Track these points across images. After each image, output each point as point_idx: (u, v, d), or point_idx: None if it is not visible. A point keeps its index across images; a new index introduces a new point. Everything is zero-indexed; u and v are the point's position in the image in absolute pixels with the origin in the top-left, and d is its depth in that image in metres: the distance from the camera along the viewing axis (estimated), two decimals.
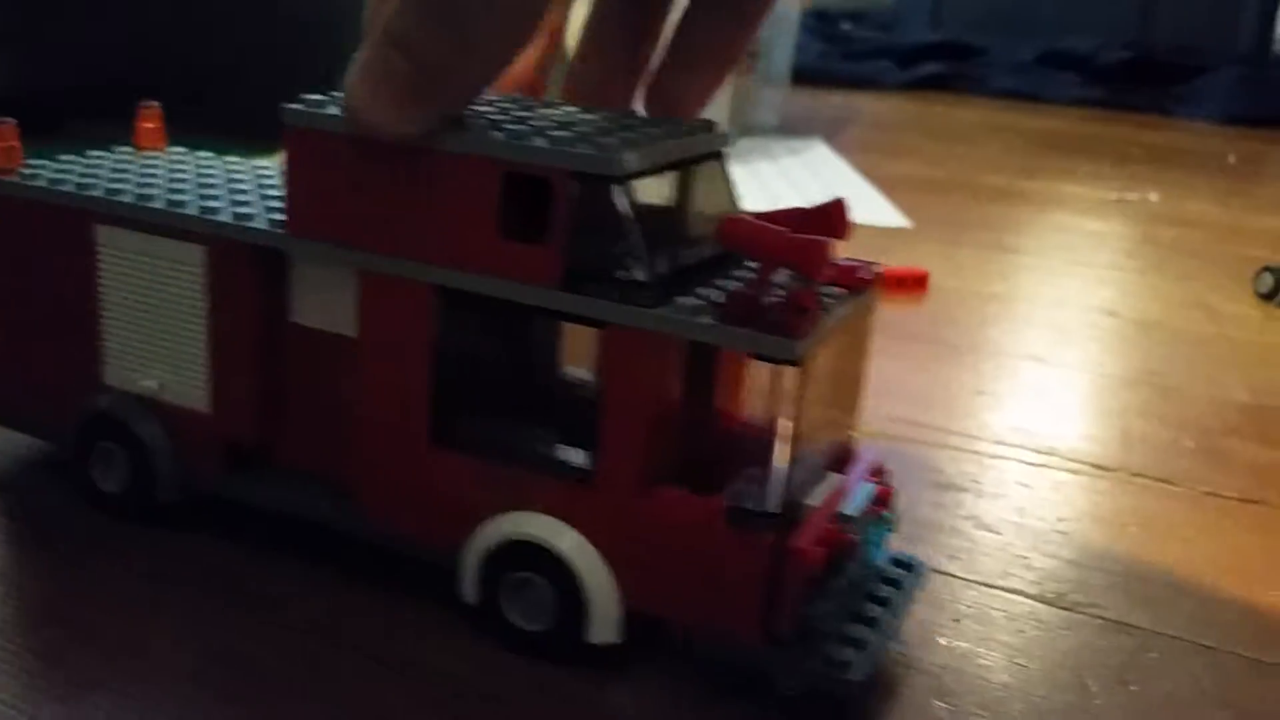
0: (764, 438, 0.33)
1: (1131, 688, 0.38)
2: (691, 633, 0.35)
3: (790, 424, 0.33)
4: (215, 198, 0.41)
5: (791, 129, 1.45)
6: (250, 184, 0.43)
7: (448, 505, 0.37)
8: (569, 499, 0.36)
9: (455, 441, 0.37)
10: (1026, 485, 0.52)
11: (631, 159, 0.33)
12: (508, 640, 0.37)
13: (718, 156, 0.39)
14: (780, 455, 0.33)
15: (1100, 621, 0.41)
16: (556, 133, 0.34)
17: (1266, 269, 0.85)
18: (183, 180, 0.43)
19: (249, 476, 0.42)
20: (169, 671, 0.35)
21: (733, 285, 0.34)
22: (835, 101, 1.87)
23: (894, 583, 0.38)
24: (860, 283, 0.37)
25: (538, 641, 0.36)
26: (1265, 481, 0.54)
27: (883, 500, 0.38)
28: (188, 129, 0.53)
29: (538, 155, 0.33)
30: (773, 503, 0.33)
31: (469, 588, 0.37)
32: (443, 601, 0.38)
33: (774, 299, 0.33)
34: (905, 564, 0.39)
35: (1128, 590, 0.44)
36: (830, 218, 0.36)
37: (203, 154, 0.48)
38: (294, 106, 0.37)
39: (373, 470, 0.39)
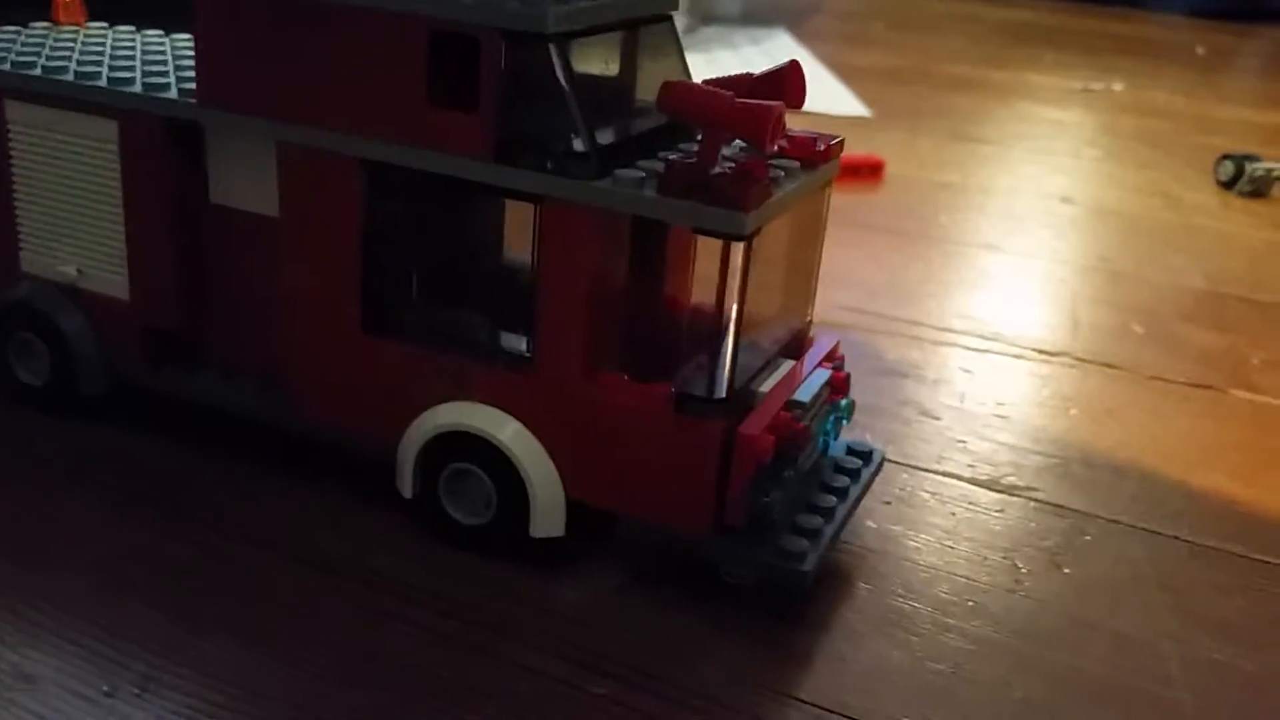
0: (711, 321, 0.31)
1: (1064, 570, 0.37)
2: (638, 523, 0.34)
3: (736, 305, 0.31)
4: (129, 70, 0.38)
5: (754, 17, 1.40)
6: (169, 57, 0.40)
7: (381, 396, 0.36)
8: (508, 387, 0.34)
9: (388, 328, 0.35)
10: (969, 371, 0.51)
11: (567, 15, 0.31)
12: (448, 535, 0.35)
13: (666, 19, 0.36)
14: (727, 338, 0.31)
15: (1035, 504, 0.40)
16: None
17: (1227, 157, 0.83)
18: (97, 54, 0.40)
19: (173, 368, 0.39)
20: (84, 571, 0.33)
21: (676, 156, 0.32)
22: None
23: (849, 472, 0.36)
24: (816, 156, 0.34)
25: (479, 536, 0.35)
26: (1214, 366, 0.53)
27: (838, 387, 0.37)
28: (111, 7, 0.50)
29: (464, 11, 0.31)
30: (720, 389, 0.31)
31: (406, 482, 0.35)
32: (377, 496, 0.36)
33: (720, 170, 0.30)
34: (861, 452, 0.38)
35: (1066, 473, 0.43)
36: (784, 83, 0.34)
37: (121, 28, 0.45)
38: None
39: (300, 360, 0.36)
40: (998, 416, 0.47)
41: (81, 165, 0.38)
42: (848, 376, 0.37)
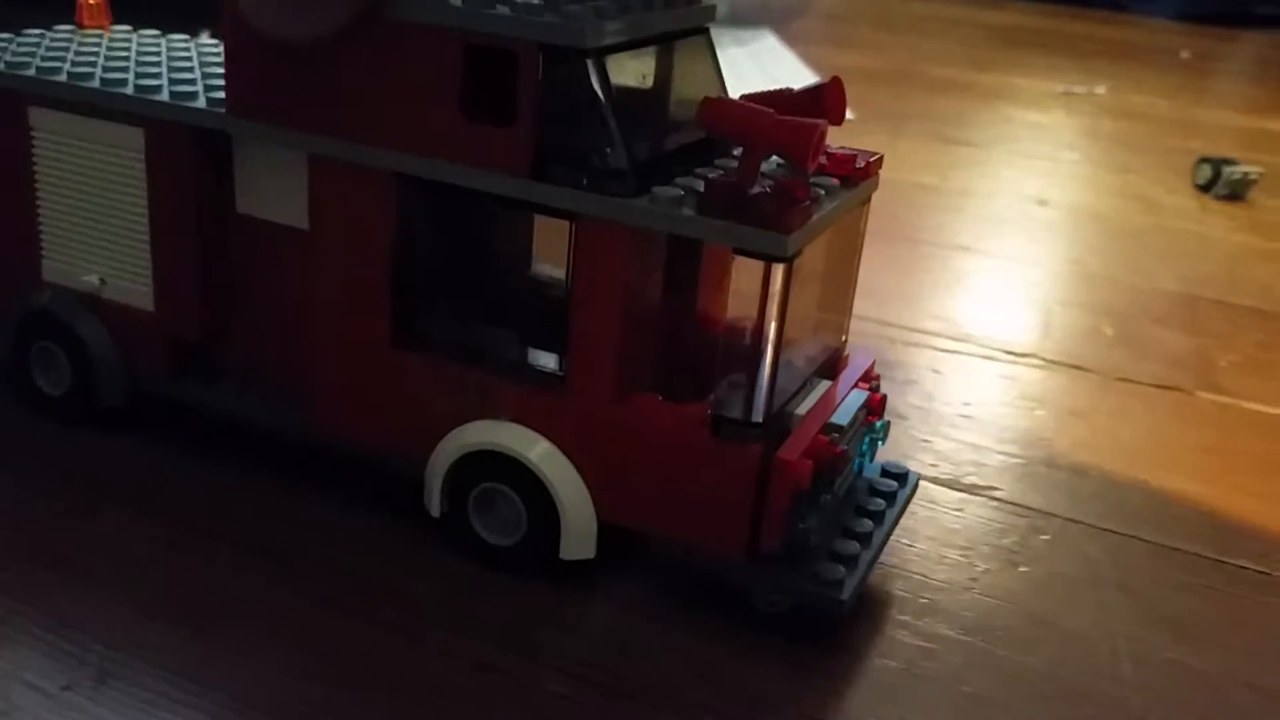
0: (749, 342, 0.30)
1: (1021, 569, 0.37)
2: (671, 546, 0.33)
3: (776, 327, 0.30)
4: (155, 77, 0.38)
5: (740, 19, 1.39)
6: (195, 63, 0.40)
7: (409, 412, 0.35)
8: (539, 406, 0.33)
9: (417, 344, 0.34)
10: (938, 371, 0.51)
11: (606, 30, 0.30)
12: (476, 555, 0.34)
13: (703, 32, 0.36)
14: (766, 360, 0.30)
15: (995, 503, 0.40)
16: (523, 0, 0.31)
17: (1205, 160, 0.83)
18: (122, 60, 0.40)
19: (196, 379, 0.39)
20: (99, 587, 0.33)
21: (715, 174, 0.31)
22: None
23: (885, 494, 0.36)
24: (856, 173, 0.34)
25: (509, 557, 0.34)
26: (1183, 369, 0.53)
27: (874, 408, 0.36)
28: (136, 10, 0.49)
29: (501, 25, 0.30)
30: (758, 411, 0.31)
31: (433, 500, 0.35)
32: (405, 514, 0.36)
33: (761, 189, 0.30)
34: (897, 474, 0.37)
35: (1027, 473, 0.42)
36: (823, 100, 0.33)
37: (147, 32, 0.45)
38: None
39: (328, 374, 0.36)
40: (963, 416, 0.47)
41: (107, 173, 0.38)
42: (884, 398, 0.36)
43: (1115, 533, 0.39)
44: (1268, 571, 0.38)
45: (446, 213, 0.34)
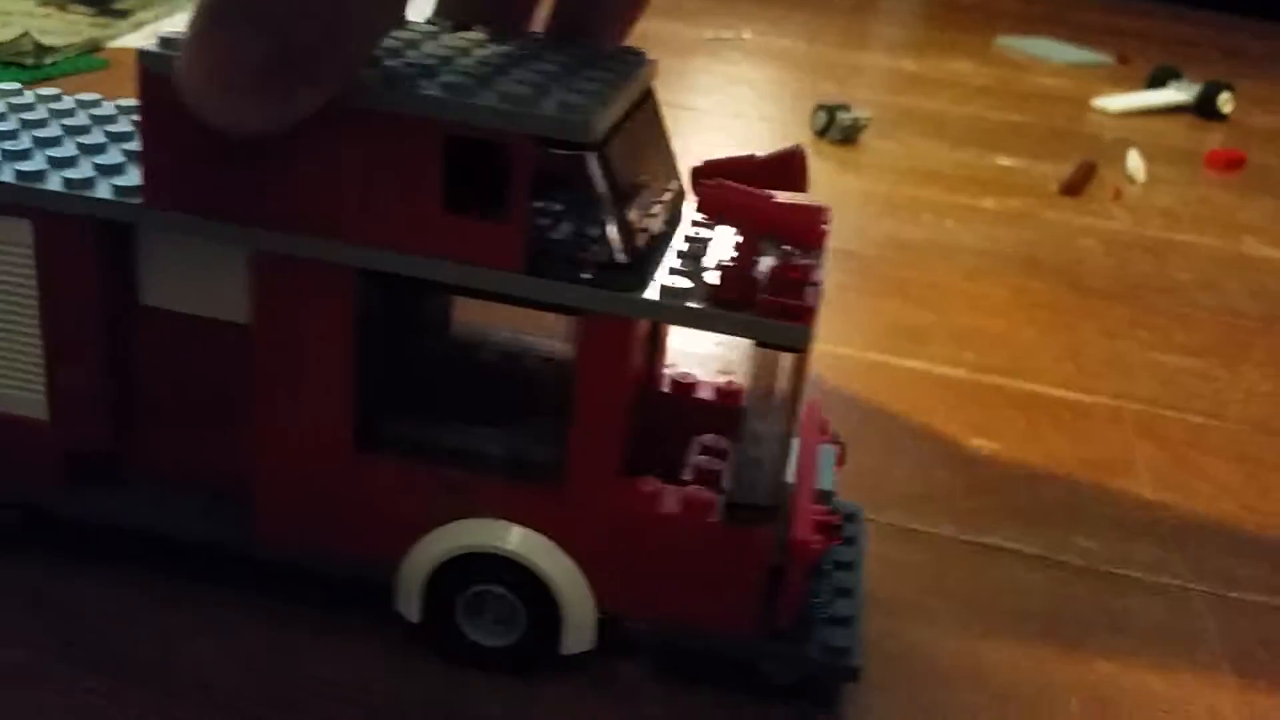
0: (754, 423, 0.30)
1: None
2: (672, 628, 0.33)
3: (789, 414, 0.30)
4: (28, 151, 0.32)
5: None
6: (78, 124, 0.34)
7: (375, 517, 0.33)
8: (531, 500, 0.32)
9: (385, 445, 0.32)
10: None
11: (604, 118, 0.29)
12: (465, 656, 0.33)
13: (650, 94, 0.35)
14: (777, 445, 0.30)
15: None
16: (504, 82, 0.29)
17: (821, 106, 0.86)
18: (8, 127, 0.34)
19: (99, 490, 0.35)
20: None
21: (708, 257, 0.31)
22: None
23: (849, 540, 0.37)
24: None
25: (503, 657, 0.33)
26: None
27: (839, 461, 0.37)
28: None
29: (489, 116, 0.28)
30: (770, 495, 0.31)
31: (410, 605, 0.33)
32: (353, 616, 0.34)
33: (767, 275, 0.29)
34: (847, 514, 0.38)
35: None
36: (788, 168, 0.33)
37: (44, 90, 0.37)
38: (152, 48, 0.29)
39: (276, 480, 0.33)
40: None
41: None
42: (844, 447, 0.37)
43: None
44: None
45: (410, 300, 0.32)
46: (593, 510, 0.31)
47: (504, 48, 0.32)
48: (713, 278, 0.29)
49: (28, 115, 0.34)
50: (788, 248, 0.30)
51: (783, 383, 0.29)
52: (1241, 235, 0.78)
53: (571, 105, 0.28)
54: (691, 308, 0.29)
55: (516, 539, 0.32)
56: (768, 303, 0.29)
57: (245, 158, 0.29)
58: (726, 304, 0.29)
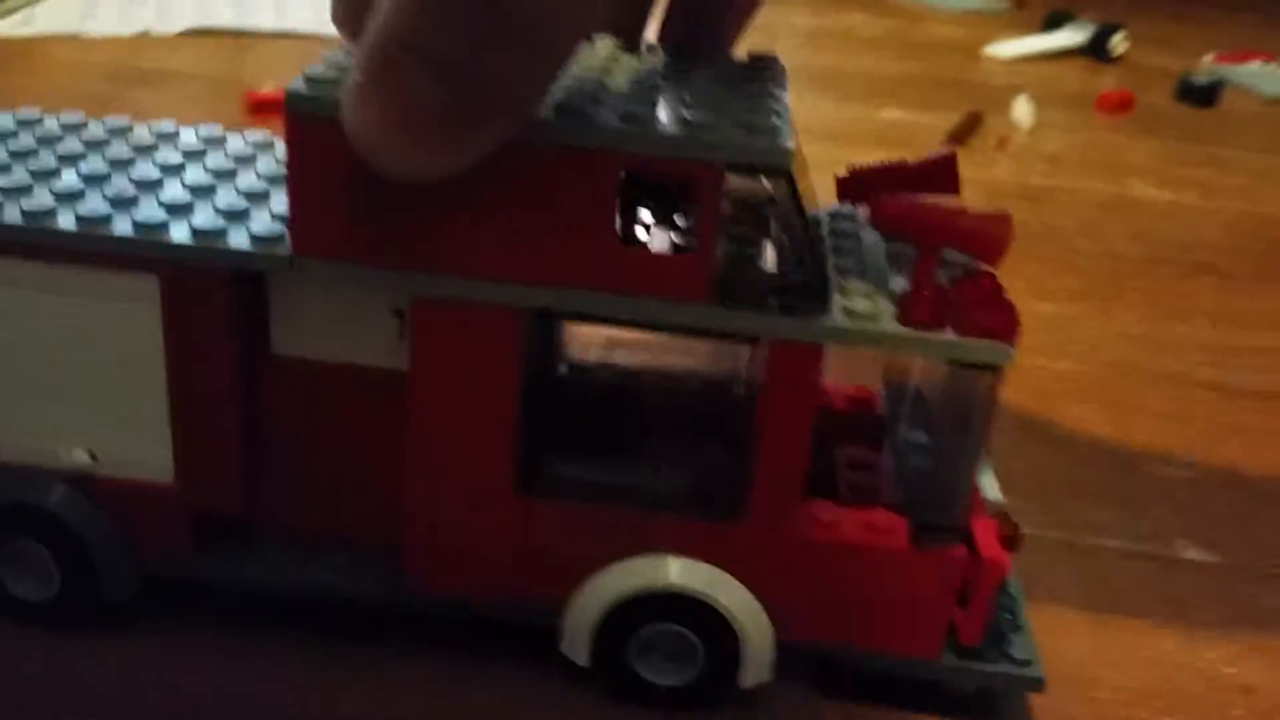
0: (949, 442, 0.29)
1: None
2: (854, 654, 0.32)
3: (984, 432, 0.29)
4: (134, 198, 0.30)
5: None
6: (198, 159, 0.32)
7: (539, 561, 0.31)
8: (709, 535, 0.30)
9: (548, 487, 0.31)
10: None
11: (792, 138, 0.27)
12: (638, 698, 0.32)
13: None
14: (973, 467, 0.30)
15: None
16: (673, 106, 0.27)
17: None
18: (101, 173, 0.31)
19: (233, 551, 0.33)
20: None
21: (873, 273, 0.30)
22: None
23: None
24: None
25: (680, 694, 0.32)
26: None
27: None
28: None
29: (673, 146, 0.26)
30: (960, 516, 0.30)
31: (578, 648, 0.31)
32: (516, 663, 0.32)
33: (957, 293, 0.28)
34: None
35: None
36: (944, 173, 0.32)
37: (112, 121, 0.34)
38: (300, 89, 0.27)
39: (433, 529, 0.31)
40: None
41: (98, 330, 0.30)
42: None
43: None
44: None
45: (558, 336, 0.31)
46: (772, 542, 0.30)
47: (643, 64, 0.30)
48: (897, 294, 0.28)
49: (103, 149, 0.32)
50: (961, 259, 0.29)
51: (980, 402, 0.29)
52: (1127, 178, 0.75)
53: (758, 128, 0.27)
54: (888, 331, 0.28)
55: (695, 576, 0.30)
56: (969, 322, 0.28)
57: (407, 199, 0.27)
58: (919, 325, 0.28)
